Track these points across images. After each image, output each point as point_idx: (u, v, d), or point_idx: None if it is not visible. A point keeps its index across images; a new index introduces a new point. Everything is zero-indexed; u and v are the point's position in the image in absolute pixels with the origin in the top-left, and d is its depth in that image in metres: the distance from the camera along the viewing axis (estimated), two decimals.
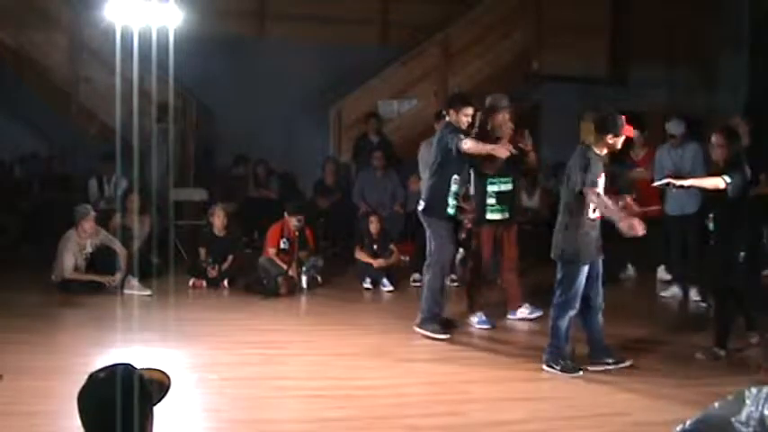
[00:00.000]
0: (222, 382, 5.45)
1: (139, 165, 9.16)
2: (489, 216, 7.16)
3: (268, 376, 5.63)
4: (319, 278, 8.81)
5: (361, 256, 8.93)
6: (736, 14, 12.62)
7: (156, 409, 2.34)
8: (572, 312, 5.77)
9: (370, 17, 12.38)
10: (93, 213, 8.33)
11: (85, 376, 2.28)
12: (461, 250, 9.60)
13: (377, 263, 8.81)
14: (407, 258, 9.64)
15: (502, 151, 6.62)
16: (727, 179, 6.00)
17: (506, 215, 7.20)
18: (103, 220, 8.77)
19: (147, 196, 8.90)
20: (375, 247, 8.92)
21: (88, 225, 8.20)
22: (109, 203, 9.97)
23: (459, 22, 11.88)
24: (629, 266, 9.43)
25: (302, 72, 11.69)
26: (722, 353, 6.18)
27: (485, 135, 6.95)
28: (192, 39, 9.45)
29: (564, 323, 5.77)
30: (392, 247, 9.02)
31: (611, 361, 5.88)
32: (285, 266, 8.48)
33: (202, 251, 8.82)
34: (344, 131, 11.74)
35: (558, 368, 5.76)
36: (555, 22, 11.76)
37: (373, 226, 8.99)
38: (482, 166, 7.06)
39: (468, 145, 6.59)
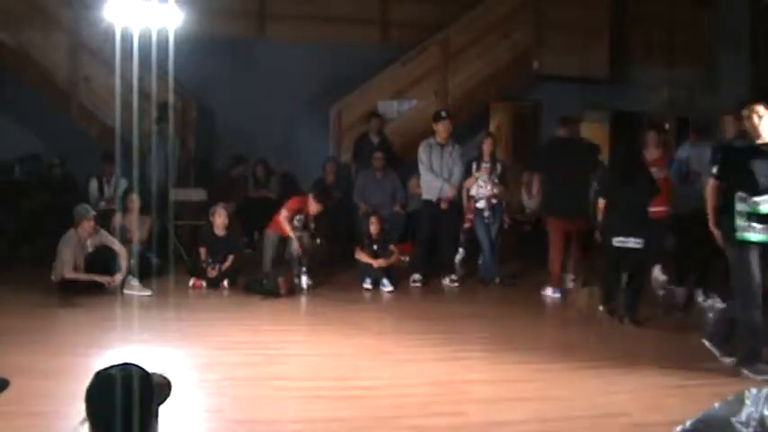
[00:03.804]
0: (222, 382, 5.44)
1: (139, 165, 9.16)
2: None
3: (268, 376, 5.62)
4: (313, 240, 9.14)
5: (361, 256, 8.93)
6: (735, 14, 12.62)
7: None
8: None
9: (371, 17, 12.38)
10: (93, 213, 8.33)
11: (85, 376, 2.27)
12: (461, 250, 9.63)
13: (377, 263, 8.81)
14: (407, 258, 9.66)
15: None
16: None
17: None
18: (103, 220, 8.77)
19: (147, 196, 8.90)
20: (375, 247, 8.92)
21: (88, 225, 8.20)
22: (109, 203, 9.98)
23: (459, 22, 11.89)
24: None
25: (302, 72, 11.69)
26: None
27: None
28: (191, 39, 9.45)
29: None
30: (392, 247, 9.02)
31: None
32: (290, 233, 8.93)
33: (202, 251, 8.82)
34: (344, 131, 11.74)
35: None
36: (555, 22, 11.78)
37: (373, 226, 8.99)
38: None
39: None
